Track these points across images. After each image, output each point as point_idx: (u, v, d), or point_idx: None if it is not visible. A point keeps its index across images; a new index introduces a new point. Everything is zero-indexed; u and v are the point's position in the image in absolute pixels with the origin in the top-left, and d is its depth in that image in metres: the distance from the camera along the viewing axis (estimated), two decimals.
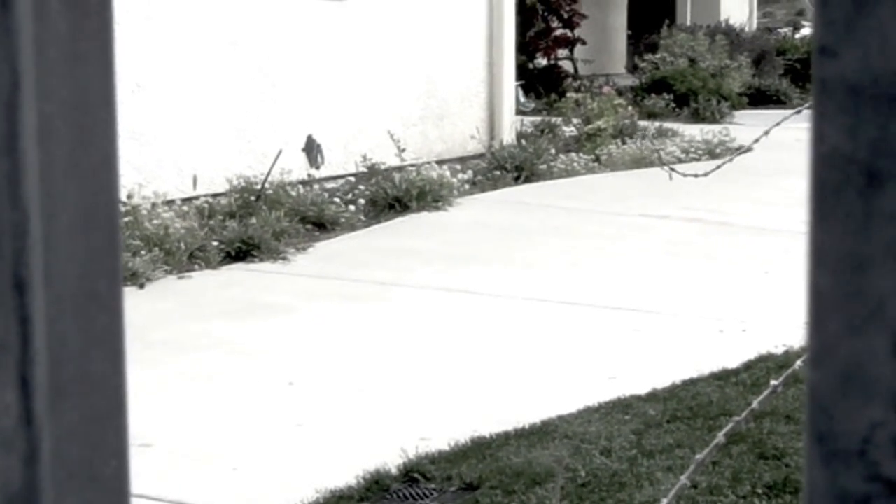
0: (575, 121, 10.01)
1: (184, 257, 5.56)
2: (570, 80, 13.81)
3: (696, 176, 2.60)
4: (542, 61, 13.92)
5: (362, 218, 6.78)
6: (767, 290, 5.25)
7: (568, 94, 10.91)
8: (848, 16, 0.44)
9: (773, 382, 1.59)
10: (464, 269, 5.51)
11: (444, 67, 8.92)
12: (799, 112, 2.41)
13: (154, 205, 6.11)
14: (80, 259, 0.49)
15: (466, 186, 7.66)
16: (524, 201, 7.39)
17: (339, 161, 7.94)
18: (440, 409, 3.69)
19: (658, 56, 14.14)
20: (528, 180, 8.16)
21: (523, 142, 9.16)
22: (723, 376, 3.95)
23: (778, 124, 2.51)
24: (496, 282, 5.25)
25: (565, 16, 13.95)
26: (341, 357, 4.20)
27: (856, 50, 0.44)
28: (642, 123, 10.48)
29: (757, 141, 2.56)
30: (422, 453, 3.25)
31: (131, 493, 0.51)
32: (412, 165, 7.88)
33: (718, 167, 2.53)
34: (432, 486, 3.14)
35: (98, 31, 0.50)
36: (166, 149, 6.77)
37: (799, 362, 1.86)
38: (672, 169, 2.94)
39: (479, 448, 3.29)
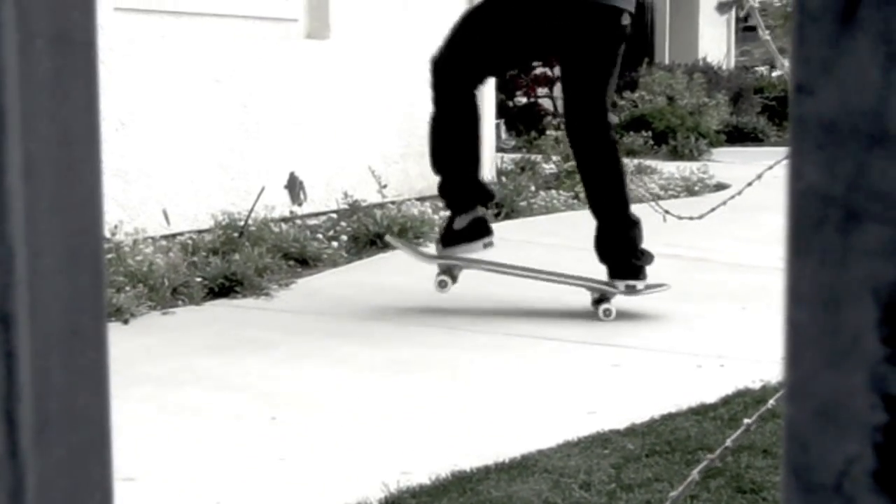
0: (555, 158, 10.02)
1: (167, 293, 5.55)
2: (549, 117, 13.85)
3: (691, 218, 2.60)
4: (522, 99, 13.95)
5: (344, 254, 6.77)
6: (745, 325, 5.26)
7: (548, 132, 10.93)
8: (825, 54, 0.45)
9: (746, 421, 1.60)
10: (445, 305, 5.51)
11: (425, 105, 8.92)
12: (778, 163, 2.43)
13: (136, 241, 6.10)
14: (65, 295, 0.49)
15: None
16: (505, 237, 7.39)
17: (321, 198, 7.95)
18: (421, 443, 3.69)
19: (637, 94, 14.20)
20: (508, 217, 8.18)
21: (503, 179, 9.17)
22: (701, 411, 3.96)
23: (770, 168, 2.52)
24: (477, 316, 5.25)
25: None
26: (323, 392, 4.20)
27: (833, 88, 0.45)
28: None
29: (749, 185, 2.57)
30: (403, 487, 3.25)
31: None
32: (393, 202, 7.88)
33: (712, 210, 2.54)
34: None
35: (82, 70, 0.50)
36: (150, 185, 6.77)
37: (776, 397, 1.86)
38: (666, 212, 2.95)
39: (460, 482, 3.29)
